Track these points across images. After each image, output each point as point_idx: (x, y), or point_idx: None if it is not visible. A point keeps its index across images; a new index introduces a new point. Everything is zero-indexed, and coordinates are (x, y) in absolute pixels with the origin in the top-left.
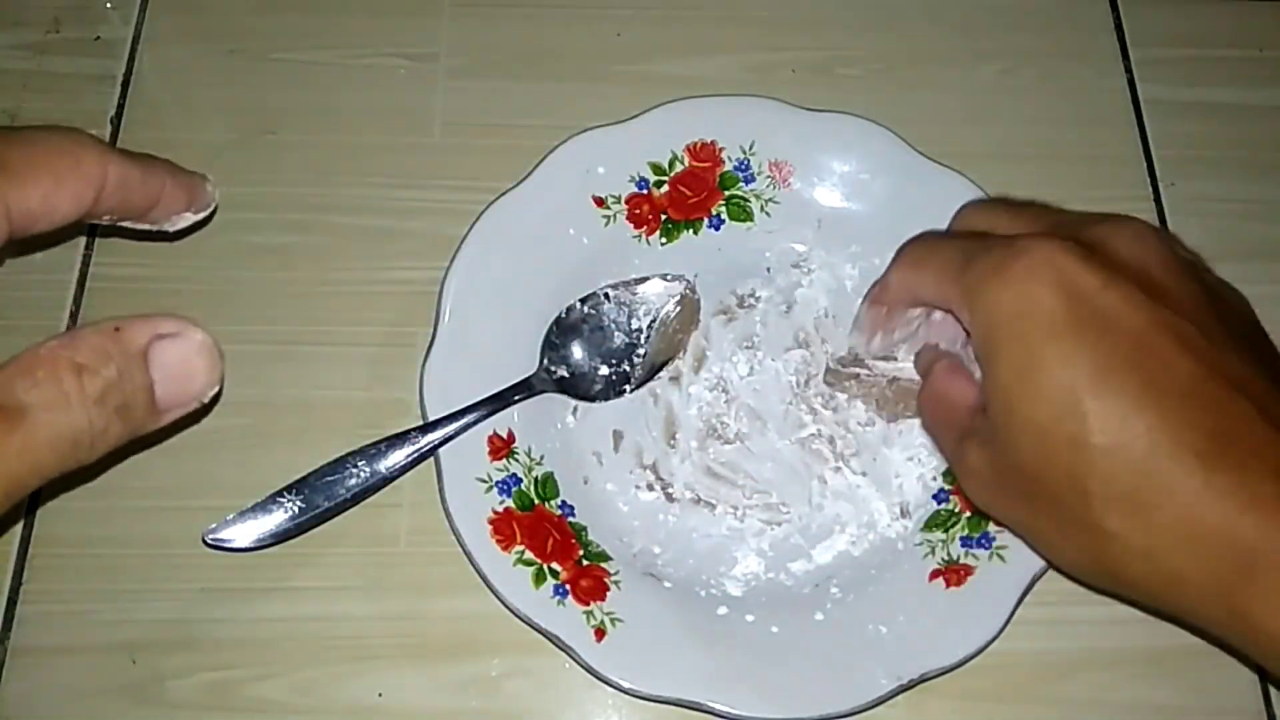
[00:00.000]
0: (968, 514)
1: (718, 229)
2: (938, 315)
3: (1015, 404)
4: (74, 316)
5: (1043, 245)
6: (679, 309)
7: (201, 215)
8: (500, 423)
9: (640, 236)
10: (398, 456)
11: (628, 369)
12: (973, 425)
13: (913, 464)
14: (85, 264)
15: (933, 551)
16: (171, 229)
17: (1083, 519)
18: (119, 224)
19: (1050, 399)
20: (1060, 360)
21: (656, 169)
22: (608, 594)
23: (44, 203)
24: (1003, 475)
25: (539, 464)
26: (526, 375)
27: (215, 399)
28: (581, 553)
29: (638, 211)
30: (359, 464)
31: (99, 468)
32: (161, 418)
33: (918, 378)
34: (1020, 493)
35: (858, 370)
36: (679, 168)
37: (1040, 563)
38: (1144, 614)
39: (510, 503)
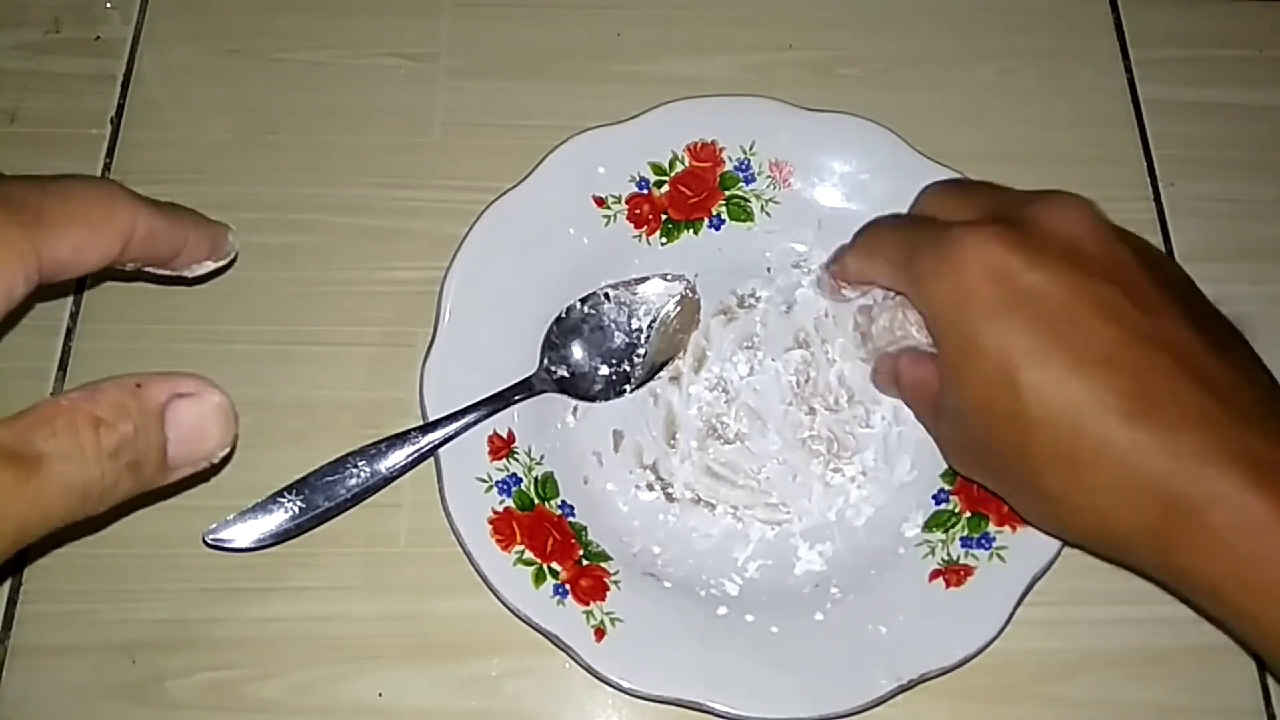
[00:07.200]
0: (968, 514)
1: (718, 229)
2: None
3: (961, 386)
4: (74, 316)
5: (973, 235)
6: (679, 309)
7: (222, 263)
8: (500, 423)
9: (640, 236)
10: (398, 456)
11: (628, 369)
12: (943, 404)
13: (912, 464)
14: None
15: (933, 552)
16: (190, 275)
17: (1032, 485)
18: (141, 270)
19: (989, 379)
20: (995, 341)
21: (657, 169)
22: (607, 594)
23: (75, 253)
24: (966, 447)
25: (539, 464)
26: (526, 375)
27: (226, 459)
28: (581, 553)
29: (638, 211)
30: (359, 464)
31: (100, 522)
32: (170, 475)
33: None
34: (982, 462)
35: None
36: (679, 168)
37: (1040, 562)
38: (1144, 614)
39: (510, 502)
